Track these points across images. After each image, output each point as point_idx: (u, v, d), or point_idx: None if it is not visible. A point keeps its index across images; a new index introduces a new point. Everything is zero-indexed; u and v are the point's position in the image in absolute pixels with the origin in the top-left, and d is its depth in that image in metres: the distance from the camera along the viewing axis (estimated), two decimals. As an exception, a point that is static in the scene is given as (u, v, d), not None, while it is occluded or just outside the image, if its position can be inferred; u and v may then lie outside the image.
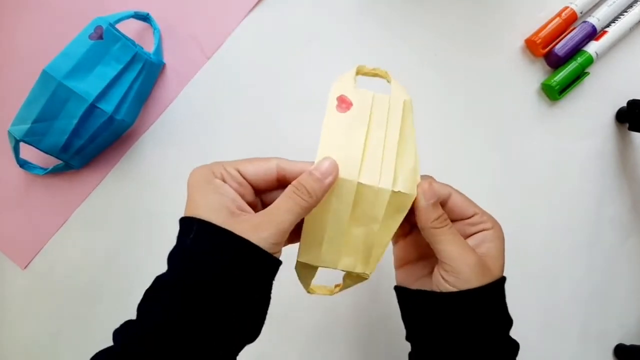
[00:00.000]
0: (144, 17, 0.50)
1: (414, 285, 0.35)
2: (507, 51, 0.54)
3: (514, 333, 0.35)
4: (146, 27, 0.51)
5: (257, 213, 0.30)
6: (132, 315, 0.30)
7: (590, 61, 0.52)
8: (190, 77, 0.52)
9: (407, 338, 0.36)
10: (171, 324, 0.28)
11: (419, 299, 0.34)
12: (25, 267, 0.51)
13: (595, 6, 0.54)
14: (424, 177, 0.33)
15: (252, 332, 0.30)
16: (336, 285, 0.36)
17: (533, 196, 0.53)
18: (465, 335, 0.32)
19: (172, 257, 0.30)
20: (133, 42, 0.47)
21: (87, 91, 0.44)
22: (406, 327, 0.36)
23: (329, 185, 0.30)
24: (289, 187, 0.30)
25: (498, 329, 0.33)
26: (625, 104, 0.54)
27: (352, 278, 0.35)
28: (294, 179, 0.31)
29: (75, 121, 0.45)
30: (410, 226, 0.36)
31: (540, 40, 0.52)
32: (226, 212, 0.29)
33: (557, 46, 0.52)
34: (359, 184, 0.31)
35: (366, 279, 0.35)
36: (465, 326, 0.32)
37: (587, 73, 0.53)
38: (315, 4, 0.53)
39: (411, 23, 0.53)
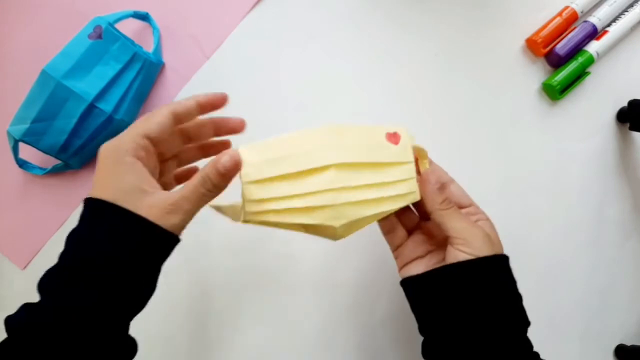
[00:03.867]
0: (143, 17, 0.50)
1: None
2: (507, 51, 0.54)
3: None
4: (145, 27, 0.51)
5: (165, 196, 0.31)
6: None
7: (591, 61, 0.52)
8: (190, 77, 0.52)
9: (421, 330, 0.36)
10: (71, 305, 0.28)
11: (437, 276, 0.35)
12: (25, 267, 0.51)
13: (596, 6, 0.54)
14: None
15: (142, 303, 0.32)
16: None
17: (534, 196, 0.53)
18: (488, 303, 0.33)
19: (73, 236, 0.31)
20: (132, 42, 0.47)
21: (86, 91, 0.44)
22: (419, 318, 0.36)
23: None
24: (197, 178, 0.31)
25: (515, 299, 0.35)
26: (626, 104, 0.54)
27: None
28: (186, 118, 0.34)
29: (74, 121, 0.45)
30: (415, 224, 0.39)
31: (541, 39, 0.52)
32: (137, 193, 0.30)
33: (558, 46, 0.52)
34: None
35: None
36: (488, 291, 0.33)
37: (588, 73, 0.53)
38: (315, 4, 0.53)
39: (411, 23, 0.53)
